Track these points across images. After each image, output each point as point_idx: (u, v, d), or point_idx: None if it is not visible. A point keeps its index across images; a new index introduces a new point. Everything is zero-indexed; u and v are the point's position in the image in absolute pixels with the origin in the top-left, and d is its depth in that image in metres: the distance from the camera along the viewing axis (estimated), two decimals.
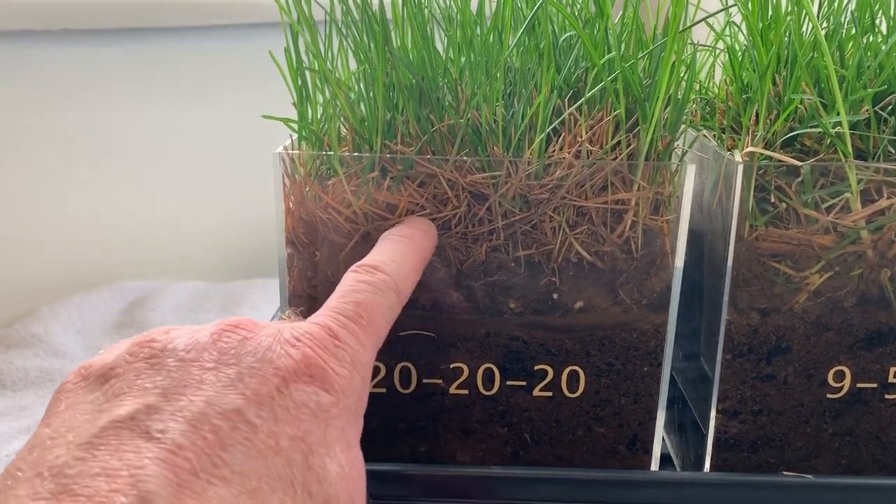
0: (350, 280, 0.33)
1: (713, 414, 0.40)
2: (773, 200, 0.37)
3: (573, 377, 0.39)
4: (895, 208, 0.36)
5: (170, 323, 0.82)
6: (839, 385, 0.39)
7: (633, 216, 0.37)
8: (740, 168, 0.36)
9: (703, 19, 0.36)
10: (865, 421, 0.39)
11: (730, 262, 0.37)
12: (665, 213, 0.37)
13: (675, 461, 0.47)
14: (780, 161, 0.36)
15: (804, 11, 0.38)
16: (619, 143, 0.37)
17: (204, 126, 0.87)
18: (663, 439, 0.50)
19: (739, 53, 0.42)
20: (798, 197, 0.37)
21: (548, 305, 0.39)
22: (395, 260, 0.34)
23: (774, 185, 0.37)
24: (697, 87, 0.46)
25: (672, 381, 0.49)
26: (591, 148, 0.37)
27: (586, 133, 0.36)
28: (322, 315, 0.31)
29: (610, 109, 0.37)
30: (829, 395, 0.39)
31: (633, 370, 0.39)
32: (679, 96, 0.37)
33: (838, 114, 0.36)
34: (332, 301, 0.31)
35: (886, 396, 0.39)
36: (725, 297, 0.38)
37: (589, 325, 0.39)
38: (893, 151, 0.38)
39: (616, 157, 0.36)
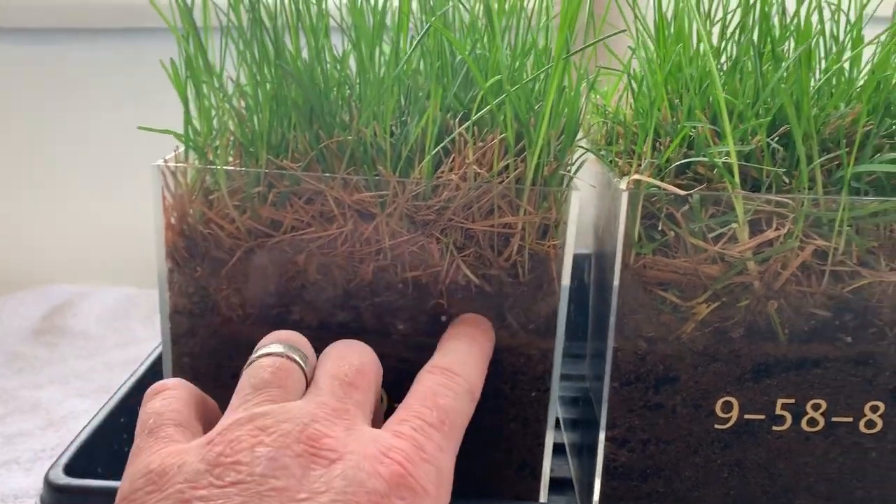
0: (429, 382, 0.33)
1: (601, 442, 0.39)
2: (660, 228, 0.37)
3: None
4: (782, 240, 0.36)
5: (92, 330, 0.80)
6: (727, 416, 0.39)
7: (520, 240, 0.37)
8: (624, 196, 0.35)
9: (593, 44, 0.35)
10: (754, 452, 0.39)
11: (615, 290, 0.37)
12: (552, 239, 0.37)
13: (575, 486, 0.47)
14: (665, 189, 0.35)
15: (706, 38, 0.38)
16: (507, 166, 0.36)
17: (134, 129, 0.85)
18: (567, 463, 0.49)
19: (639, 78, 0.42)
20: (687, 226, 0.36)
21: (436, 327, 0.38)
22: (465, 362, 0.34)
23: (665, 212, 0.37)
24: (614, 109, 0.46)
25: (580, 402, 0.49)
26: (478, 171, 0.36)
27: (473, 155, 0.36)
28: (407, 422, 0.30)
29: (500, 132, 0.36)
30: (717, 426, 0.39)
31: (521, 395, 0.39)
32: (569, 120, 0.36)
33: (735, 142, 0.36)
34: (414, 404, 0.31)
35: (774, 428, 0.39)
36: (612, 325, 0.38)
37: None
38: (787, 182, 0.38)
39: (503, 181, 0.36)
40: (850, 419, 0.39)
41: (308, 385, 0.32)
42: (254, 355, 0.33)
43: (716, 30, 0.42)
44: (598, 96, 0.47)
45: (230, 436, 0.28)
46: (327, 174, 0.36)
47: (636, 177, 0.36)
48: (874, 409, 0.38)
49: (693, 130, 0.38)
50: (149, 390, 0.33)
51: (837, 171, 0.37)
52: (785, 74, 0.37)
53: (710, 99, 0.38)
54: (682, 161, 0.36)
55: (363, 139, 0.36)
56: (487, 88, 0.34)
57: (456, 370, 0.33)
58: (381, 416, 0.35)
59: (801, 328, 0.37)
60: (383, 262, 0.37)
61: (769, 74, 0.38)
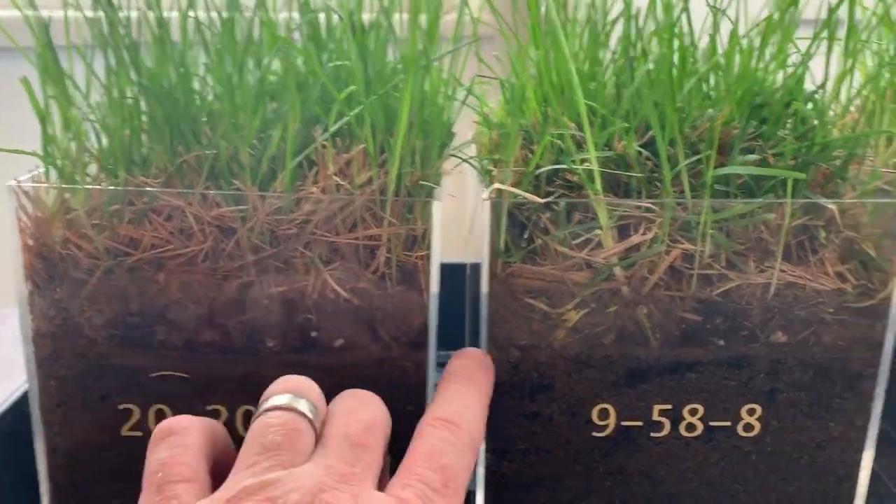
0: (432, 439, 0.32)
1: (482, 453, 0.39)
2: (525, 236, 0.36)
3: None
4: (648, 244, 0.36)
5: None
6: (604, 423, 0.38)
7: (387, 252, 0.36)
8: (486, 205, 0.35)
9: (451, 51, 0.35)
10: (634, 459, 0.39)
11: (484, 299, 0.37)
12: (419, 250, 0.36)
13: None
14: (524, 198, 0.35)
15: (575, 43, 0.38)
16: (371, 178, 0.36)
17: None
18: None
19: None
20: (553, 233, 0.36)
21: (307, 344, 0.37)
22: (469, 409, 0.34)
23: (534, 220, 0.37)
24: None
25: None
26: (341, 183, 0.36)
27: (333, 167, 0.35)
28: (411, 487, 0.30)
29: (367, 142, 0.36)
30: (595, 434, 0.39)
31: (398, 408, 0.38)
32: (434, 129, 0.36)
33: (608, 147, 0.36)
34: (417, 466, 0.31)
35: (653, 435, 0.39)
36: (483, 333, 0.37)
37: (350, 363, 0.38)
38: (660, 186, 0.38)
39: (368, 193, 0.36)
40: (728, 423, 0.38)
41: (318, 439, 0.32)
42: (262, 406, 0.32)
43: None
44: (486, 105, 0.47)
45: None
46: (185, 190, 0.35)
47: (497, 186, 0.35)
48: (751, 413, 0.38)
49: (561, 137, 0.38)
50: (156, 432, 0.32)
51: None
52: (651, 78, 0.37)
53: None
54: (546, 168, 0.36)
55: (221, 153, 0.35)
56: (343, 100, 0.34)
57: (459, 422, 0.33)
58: (387, 468, 0.34)
59: (673, 332, 0.37)
60: (247, 279, 0.36)
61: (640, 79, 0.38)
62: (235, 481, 0.29)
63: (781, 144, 0.37)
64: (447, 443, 0.32)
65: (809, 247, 0.37)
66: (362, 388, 0.37)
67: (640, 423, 0.38)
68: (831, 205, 0.36)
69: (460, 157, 0.39)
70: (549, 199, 0.35)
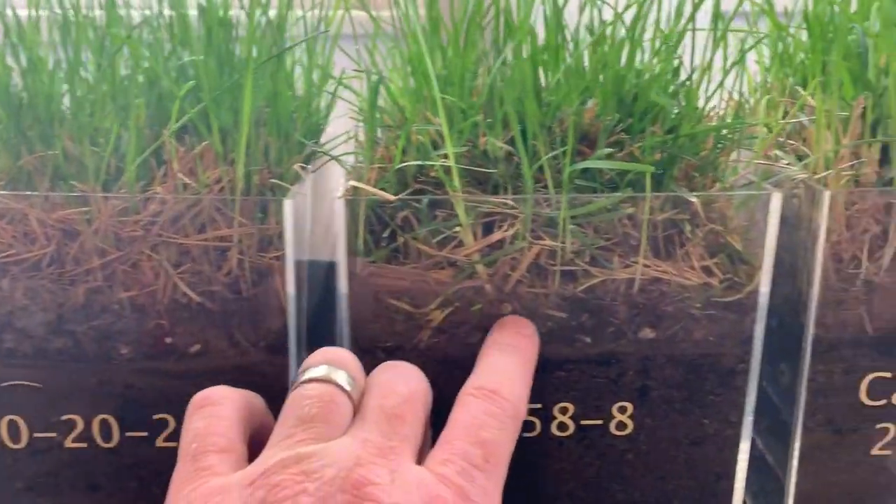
0: (473, 410, 0.31)
1: None
2: (385, 235, 0.35)
3: None
4: (509, 241, 0.35)
5: None
6: None
7: (239, 254, 0.35)
8: (339, 203, 0.34)
9: (297, 43, 0.34)
10: (534, 464, 0.38)
11: (343, 300, 0.36)
12: (274, 250, 0.35)
13: None
14: (377, 196, 0.34)
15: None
16: (221, 176, 0.35)
17: None
18: None
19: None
20: (415, 231, 0.35)
21: (161, 350, 0.36)
22: (512, 380, 0.33)
23: (396, 218, 0.36)
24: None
25: None
26: (187, 181, 0.34)
27: (178, 165, 0.34)
28: (451, 463, 0.29)
29: (214, 139, 0.35)
30: None
31: None
32: (286, 124, 0.35)
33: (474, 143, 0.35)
34: (457, 439, 0.30)
35: (525, 435, 0.38)
36: (346, 335, 0.36)
37: (208, 369, 0.36)
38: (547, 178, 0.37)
39: (216, 192, 0.34)
40: (601, 422, 0.38)
41: (356, 411, 0.31)
42: (300, 378, 0.32)
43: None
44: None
45: (274, 479, 0.27)
46: (25, 192, 0.34)
47: (353, 183, 0.34)
48: (622, 411, 0.38)
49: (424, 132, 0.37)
50: (192, 402, 0.32)
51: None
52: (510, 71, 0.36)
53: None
54: (403, 165, 0.35)
55: (66, 154, 0.34)
56: (182, 96, 0.33)
57: (502, 392, 0.32)
58: (428, 441, 0.33)
59: (539, 330, 0.37)
60: (94, 283, 0.35)
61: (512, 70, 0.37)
62: (270, 454, 0.29)
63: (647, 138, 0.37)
64: (488, 414, 0.31)
65: (677, 241, 0.37)
66: None
67: None
68: (693, 198, 0.35)
69: (327, 154, 0.38)
70: (401, 197, 0.34)
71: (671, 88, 0.38)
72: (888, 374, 0.38)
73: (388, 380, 0.32)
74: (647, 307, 0.36)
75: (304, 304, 0.38)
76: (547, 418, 0.38)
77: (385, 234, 0.35)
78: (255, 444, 0.31)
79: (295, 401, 0.31)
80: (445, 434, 0.31)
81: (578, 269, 0.36)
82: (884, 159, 0.36)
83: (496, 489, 0.30)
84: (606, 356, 0.37)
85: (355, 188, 0.34)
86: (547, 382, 0.37)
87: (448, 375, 0.37)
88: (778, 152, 0.41)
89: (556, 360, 0.37)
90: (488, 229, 0.36)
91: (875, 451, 0.39)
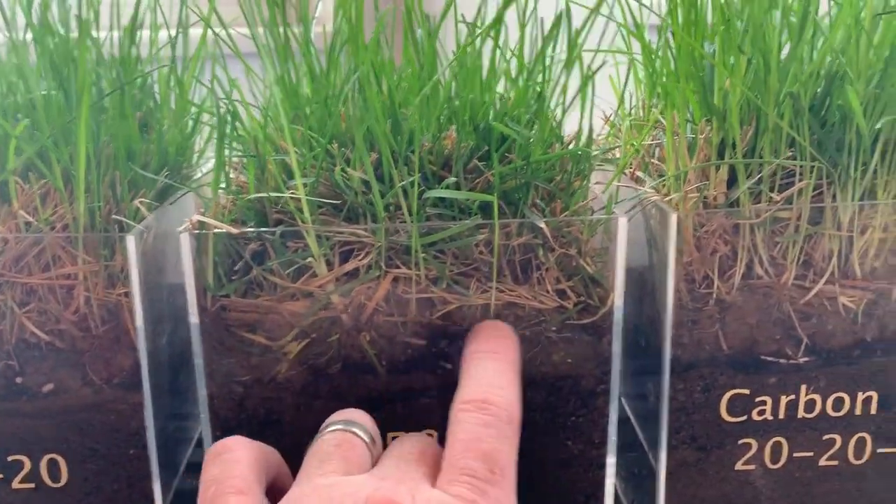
0: (467, 425, 0.31)
1: None
2: (236, 268, 0.35)
3: (54, 466, 0.36)
4: (364, 270, 0.35)
5: None
6: None
7: (85, 291, 0.34)
8: (184, 237, 0.34)
9: (148, 72, 0.34)
10: None
11: (195, 334, 0.35)
12: (122, 287, 0.35)
13: None
14: (219, 228, 0.34)
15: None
16: (65, 213, 0.34)
17: None
18: None
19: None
20: (267, 263, 0.35)
21: (13, 390, 0.35)
22: (498, 385, 0.32)
23: (249, 250, 0.35)
24: None
25: None
26: (29, 219, 0.34)
27: (18, 204, 0.33)
28: (458, 483, 0.29)
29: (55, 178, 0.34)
30: None
31: (120, 454, 0.37)
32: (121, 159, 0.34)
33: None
34: (459, 457, 0.30)
35: None
36: (200, 370, 0.36)
37: (62, 408, 0.36)
38: (392, 210, 0.37)
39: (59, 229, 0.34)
40: None
41: (374, 465, 0.32)
42: (319, 432, 0.33)
43: None
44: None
45: None
46: None
47: (198, 217, 0.34)
48: None
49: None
50: (208, 452, 0.32)
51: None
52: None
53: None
54: (252, 197, 0.35)
55: None
56: (21, 134, 0.32)
57: (492, 400, 0.32)
58: None
59: (399, 359, 0.37)
60: None
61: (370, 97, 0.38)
62: (292, 493, 0.29)
63: (504, 164, 0.37)
64: (484, 425, 0.31)
65: (533, 266, 0.37)
66: (79, 434, 0.36)
67: None
68: (540, 223, 0.35)
69: (180, 186, 0.38)
70: (243, 230, 0.34)
71: (526, 115, 0.38)
72: (746, 391, 0.38)
73: (403, 440, 0.33)
74: None
75: (163, 339, 0.37)
76: None
77: (236, 267, 0.35)
78: (271, 496, 0.31)
79: (315, 446, 0.32)
80: (447, 455, 0.31)
81: (434, 296, 0.36)
82: (732, 181, 0.37)
83: (509, 496, 0.30)
84: None
85: (201, 223, 0.34)
86: (411, 411, 0.37)
87: (308, 408, 0.37)
88: (640, 174, 0.41)
89: (419, 388, 0.37)
90: (347, 259, 0.36)
91: (739, 466, 0.39)
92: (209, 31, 0.40)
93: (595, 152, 0.39)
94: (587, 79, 0.36)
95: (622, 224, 0.36)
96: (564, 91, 0.38)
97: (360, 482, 0.29)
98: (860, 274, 0.37)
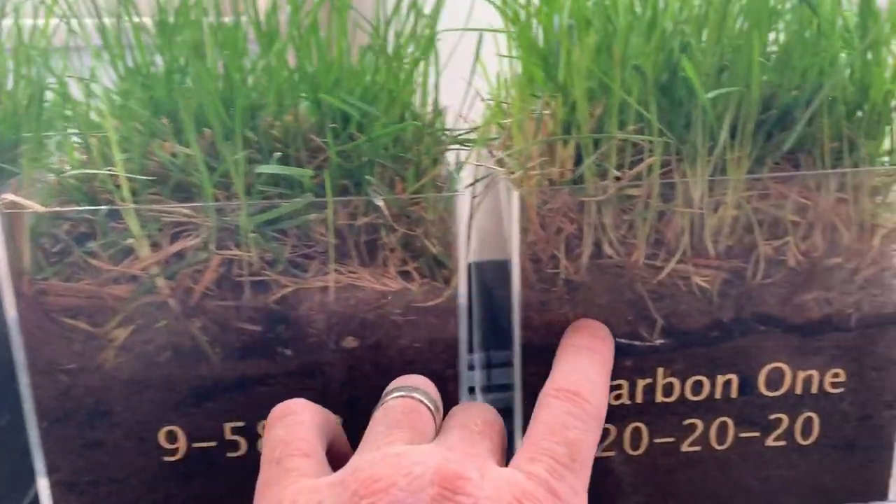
0: (556, 411, 0.31)
1: (45, 488, 0.36)
2: (55, 250, 0.33)
3: None
4: (192, 252, 0.34)
5: None
6: (174, 447, 0.36)
7: None
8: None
9: None
10: (215, 482, 0.36)
11: (12, 322, 0.33)
12: None
13: None
14: (28, 208, 0.32)
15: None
16: None
17: None
18: None
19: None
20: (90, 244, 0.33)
21: None
22: (592, 381, 0.32)
23: (75, 233, 0.34)
24: None
25: None
26: None
27: None
28: (537, 462, 0.29)
29: None
30: (166, 458, 0.36)
31: None
32: None
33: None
34: (542, 438, 0.30)
35: (229, 455, 0.36)
36: (21, 360, 0.34)
37: None
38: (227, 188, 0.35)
39: None
40: None
41: (437, 433, 0.32)
42: (384, 398, 0.32)
43: None
44: None
45: (363, 475, 0.27)
46: None
47: (9, 196, 0.32)
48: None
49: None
50: (272, 413, 0.32)
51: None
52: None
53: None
54: (70, 173, 0.33)
55: None
56: None
57: (584, 395, 0.32)
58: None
59: (234, 345, 0.35)
60: None
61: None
62: (359, 457, 0.29)
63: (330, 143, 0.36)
64: (572, 415, 0.31)
65: (377, 247, 0.35)
66: None
67: (213, 444, 0.36)
68: (379, 201, 0.34)
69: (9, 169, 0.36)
70: (52, 209, 0.32)
71: (376, 90, 0.37)
72: None
73: (468, 408, 0.33)
74: (346, 315, 0.35)
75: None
76: (253, 437, 0.36)
77: (55, 249, 0.33)
78: (331, 459, 0.31)
79: (380, 413, 0.31)
80: (529, 435, 0.31)
81: (269, 278, 0.34)
82: (579, 159, 0.36)
83: (583, 490, 0.30)
84: (310, 368, 0.36)
85: (13, 202, 0.32)
86: (249, 399, 0.36)
87: (138, 398, 0.35)
88: (499, 154, 0.40)
89: (257, 376, 0.35)
90: (175, 241, 0.34)
91: (598, 453, 0.38)
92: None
93: (445, 130, 0.38)
94: (426, 48, 0.34)
95: (463, 201, 0.34)
96: (425, 68, 0.36)
97: (427, 451, 0.28)
98: (714, 253, 0.36)
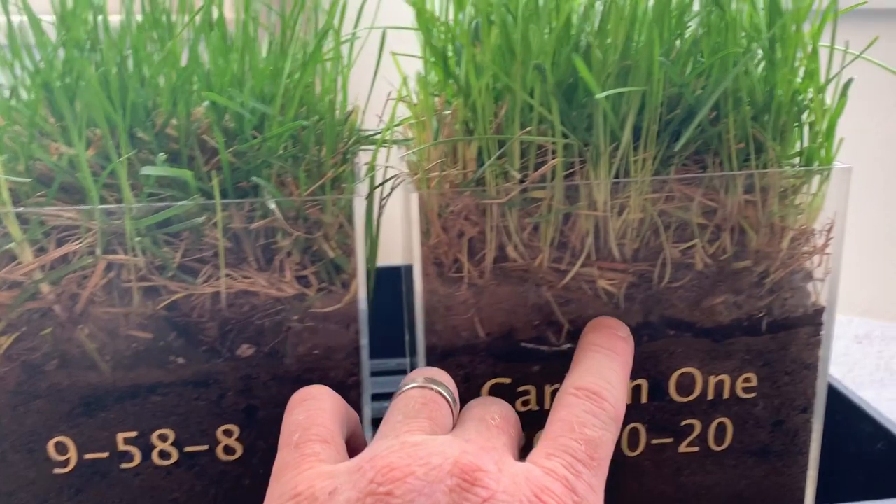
0: (575, 409, 0.31)
1: None
2: None
3: None
4: (79, 257, 0.32)
5: None
6: (65, 458, 0.34)
7: None
8: None
9: None
10: (110, 495, 0.35)
11: None
12: None
13: None
14: None
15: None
16: None
17: None
18: None
19: None
20: None
21: None
22: (611, 382, 0.32)
23: None
24: None
25: None
26: None
27: None
28: (556, 457, 0.29)
29: None
30: (56, 471, 0.35)
31: None
32: None
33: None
34: (561, 435, 0.30)
35: (123, 466, 0.35)
36: None
37: None
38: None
39: None
40: (206, 447, 0.35)
41: (455, 426, 0.32)
42: (401, 388, 0.32)
43: None
44: None
45: (381, 463, 0.27)
46: None
47: None
48: (228, 434, 0.35)
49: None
50: (293, 398, 0.32)
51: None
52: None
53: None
54: None
55: None
56: None
57: (603, 394, 0.32)
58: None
59: (124, 353, 0.34)
60: None
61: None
62: (377, 444, 0.29)
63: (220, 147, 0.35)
64: (591, 414, 0.31)
65: (275, 251, 0.34)
66: None
67: (105, 455, 0.35)
68: (271, 204, 0.33)
69: None
70: None
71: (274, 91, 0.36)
72: (508, 380, 0.36)
73: (485, 402, 0.33)
74: (240, 322, 0.34)
75: None
76: (147, 447, 0.35)
77: None
78: (348, 447, 0.31)
79: (399, 401, 0.31)
80: (548, 431, 0.31)
81: (158, 284, 0.33)
82: (483, 160, 0.35)
83: (601, 487, 0.30)
84: (203, 377, 0.34)
85: None
86: (141, 409, 0.34)
87: (25, 408, 0.34)
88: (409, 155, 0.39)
89: (148, 384, 0.34)
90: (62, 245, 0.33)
91: None
92: None
93: (352, 130, 0.37)
94: (317, 46, 0.33)
95: (359, 204, 0.33)
96: (332, 66, 0.35)
97: (446, 442, 0.28)
98: (619, 256, 0.35)
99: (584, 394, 0.32)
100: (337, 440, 0.31)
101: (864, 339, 0.70)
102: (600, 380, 0.32)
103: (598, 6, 0.34)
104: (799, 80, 0.35)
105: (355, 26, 0.45)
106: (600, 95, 0.31)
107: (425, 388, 0.32)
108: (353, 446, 0.32)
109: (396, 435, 0.29)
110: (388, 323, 0.46)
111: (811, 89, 0.36)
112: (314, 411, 0.31)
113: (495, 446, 0.29)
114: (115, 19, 0.38)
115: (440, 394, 0.32)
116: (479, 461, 0.27)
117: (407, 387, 0.32)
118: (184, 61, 0.36)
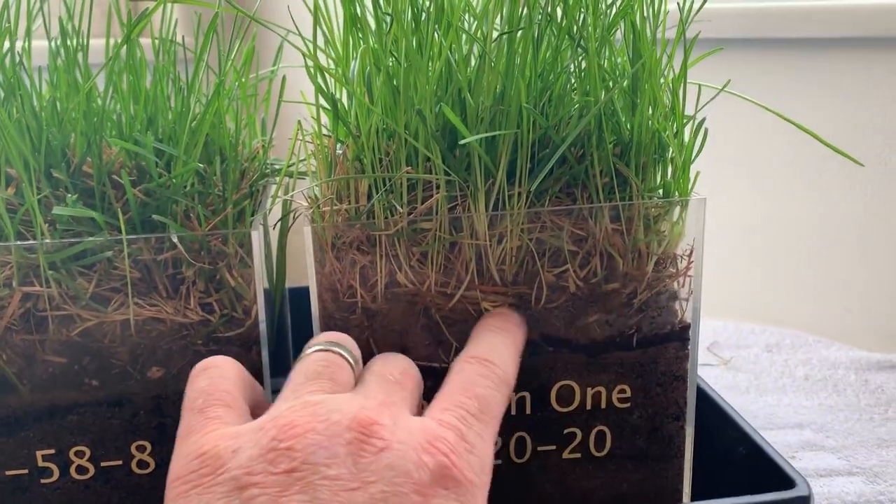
0: (468, 372, 0.34)
1: None
2: None
3: None
4: None
5: None
6: None
7: None
8: None
9: None
10: None
11: None
12: None
13: None
14: None
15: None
16: None
17: None
18: None
19: None
20: None
21: None
22: (502, 353, 0.35)
23: None
24: None
25: None
26: None
27: None
28: (449, 412, 0.32)
29: None
30: None
31: None
32: None
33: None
34: (455, 393, 0.33)
35: (43, 481, 0.38)
36: None
37: None
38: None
39: None
40: (121, 462, 0.38)
41: (356, 384, 0.33)
42: (304, 352, 0.34)
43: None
44: None
45: (283, 421, 0.29)
46: None
47: None
48: (142, 449, 0.38)
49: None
50: (196, 367, 0.34)
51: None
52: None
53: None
54: None
55: None
56: None
57: (493, 359, 0.35)
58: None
59: (41, 376, 0.37)
60: None
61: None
62: (278, 405, 0.30)
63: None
64: (482, 376, 0.34)
65: (181, 280, 0.37)
66: None
67: (25, 471, 0.37)
68: (174, 238, 0.36)
69: None
70: None
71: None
72: None
73: (385, 358, 0.35)
74: (149, 347, 0.37)
75: None
76: (65, 463, 0.38)
77: None
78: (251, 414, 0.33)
79: (301, 365, 0.33)
80: (442, 392, 0.33)
81: (70, 313, 0.36)
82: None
83: (490, 439, 0.32)
84: (117, 397, 0.37)
85: None
86: (60, 427, 0.37)
87: None
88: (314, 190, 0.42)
89: (66, 405, 0.37)
90: None
91: None
92: None
93: (259, 166, 0.40)
94: (218, 86, 0.37)
95: (256, 237, 0.37)
96: (239, 106, 0.39)
97: (346, 400, 0.30)
98: (499, 280, 0.39)
99: (476, 360, 0.35)
100: (240, 404, 0.32)
101: (773, 347, 0.74)
102: (492, 350, 0.36)
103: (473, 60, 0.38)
104: (658, 121, 0.39)
105: (274, 64, 0.48)
106: (470, 139, 0.34)
107: (326, 352, 0.34)
108: (258, 415, 0.33)
109: (297, 396, 0.31)
110: (306, 339, 0.49)
111: (676, 126, 0.40)
112: (217, 378, 0.33)
113: (394, 401, 0.32)
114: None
115: (341, 355, 0.34)
116: (376, 415, 0.29)
117: (309, 350, 0.34)
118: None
